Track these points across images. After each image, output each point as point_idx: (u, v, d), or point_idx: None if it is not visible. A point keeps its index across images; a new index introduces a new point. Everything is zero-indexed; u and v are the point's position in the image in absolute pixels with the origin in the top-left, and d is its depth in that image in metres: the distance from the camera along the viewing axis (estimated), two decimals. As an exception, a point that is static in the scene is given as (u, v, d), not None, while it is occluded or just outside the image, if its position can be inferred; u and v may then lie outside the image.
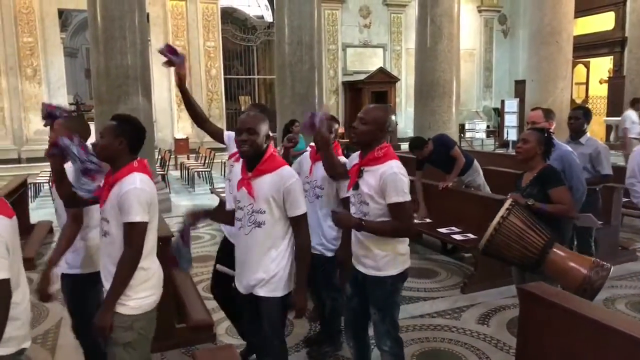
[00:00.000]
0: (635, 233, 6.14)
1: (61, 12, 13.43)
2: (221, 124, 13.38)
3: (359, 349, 2.78)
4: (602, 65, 16.10)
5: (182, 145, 13.59)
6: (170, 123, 14.27)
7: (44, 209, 7.67)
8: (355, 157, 2.62)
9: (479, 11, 17.87)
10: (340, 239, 3.02)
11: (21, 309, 1.88)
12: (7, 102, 12.58)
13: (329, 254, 3.13)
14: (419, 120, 9.05)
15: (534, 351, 2.45)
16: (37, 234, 5.87)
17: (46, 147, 2.29)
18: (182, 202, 8.73)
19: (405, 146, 13.33)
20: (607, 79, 15.78)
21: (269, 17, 16.55)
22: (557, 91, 9.00)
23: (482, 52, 18.17)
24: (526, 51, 10.52)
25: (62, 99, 13.32)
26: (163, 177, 9.07)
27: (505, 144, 15.07)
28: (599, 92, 16.28)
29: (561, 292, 2.50)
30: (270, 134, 2.35)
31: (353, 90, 16.00)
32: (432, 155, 5.34)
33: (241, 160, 2.41)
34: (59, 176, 2.33)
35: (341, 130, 5.60)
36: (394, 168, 2.40)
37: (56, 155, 2.23)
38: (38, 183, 8.92)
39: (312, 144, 3.24)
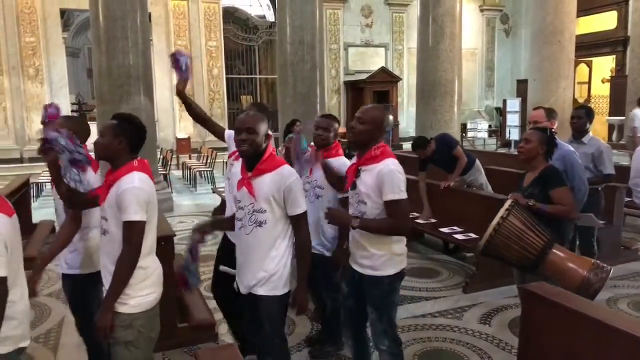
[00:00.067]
0: (637, 233, 6.12)
1: (63, 12, 13.43)
2: (223, 123, 13.38)
3: (358, 348, 2.78)
4: (604, 65, 16.07)
5: (184, 145, 13.60)
6: (172, 123, 14.28)
7: (46, 209, 7.67)
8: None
9: (481, 10, 17.84)
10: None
11: (18, 308, 1.88)
12: (10, 102, 12.61)
13: (329, 254, 3.14)
14: (420, 119, 9.04)
15: (535, 351, 2.44)
16: (39, 234, 5.87)
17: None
18: (184, 202, 8.75)
19: (407, 146, 13.37)
20: (609, 78, 15.75)
21: (270, 17, 16.55)
22: (560, 90, 8.98)
23: (484, 51, 18.14)
24: (528, 50, 10.50)
25: (64, 99, 13.34)
26: (165, 176, 9.08)
27: (507, 144, 15.05)
28: (601, 91, 16.25)
29: (563, 291, 2.50)
30: (270, 133, 2.35)
31: (355, 89, 15.99)
32: (435, 155, 5.33)
33: (241, 159, 2.42)
34: (55, 175, 2.34)
35: (342, 130, 5.60)
36: (391, 166, 2.40)
37: (47, 150, 2.24)
38: (40, 183, 8.94)
39: (312, 144, 3.25)
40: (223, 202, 4.62)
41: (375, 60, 16.40)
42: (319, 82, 7.99)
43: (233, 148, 2.80)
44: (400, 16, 16.74)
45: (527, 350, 2.51)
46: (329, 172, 2.94)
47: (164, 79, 13.42)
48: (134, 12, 6.99)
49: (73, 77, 15.93)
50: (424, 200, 5.46)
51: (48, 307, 4.21)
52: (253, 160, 2.30)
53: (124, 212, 2.11)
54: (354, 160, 2.59)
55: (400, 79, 16.36)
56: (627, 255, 5.19)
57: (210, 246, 5.89)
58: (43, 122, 2.69)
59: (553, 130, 3.42)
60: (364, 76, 15.70)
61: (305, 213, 2.34)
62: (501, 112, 16.83)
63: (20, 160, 12.37)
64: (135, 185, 2.14)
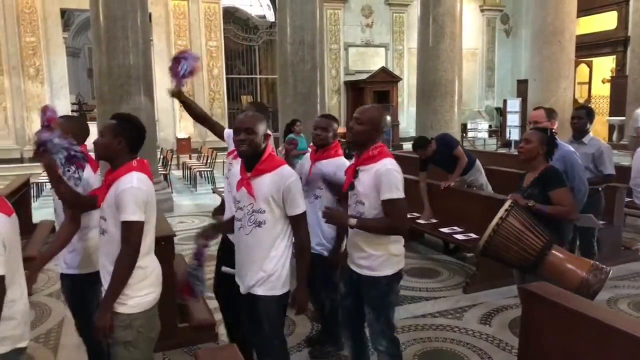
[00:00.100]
0: (638, 233, 6.12)
1: (64, 12, 13.45)
2: (223, 123, 13.34)
3: (356, 349, 2.78)
4: (604, 65, 16.07)
5: (184, 145, 13.61)
6: (172, 122, 14.29)
7: (47, 209, 7.67)
8: None
9: (481, 10, 17.84)
10: None
11: (17, 308, 1.87)
12: (10, 102, 12.61)
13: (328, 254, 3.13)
14: (421, 119, 9.04)
15: (536, 351, 2.44)
16: (39, 234, 5.87)
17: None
18: (184, 202, 8.75)
19: (407, 146, 13.38)
20: (609, 78, 15.75)
21: (271, 17, 16.55)
22: (560, 91, 8.98)
23: (485, 51, 18.15)
24: (528, 50, 10.50)
25: (65, 99, 13.36)
26: (165, 176, 9.09)
27: (507, 144, 15.05)
28: (601, 91, 16.25)
29: (563, 291, 2.49)
30: (269, 133, 2.35)
31: (355, 89, 16.00)
32: (435, 155, 5.33)
33: (240, 159, 2.42)
34: (53, 178, 2.34)
35: (342, 130, 5.60)
36: (388, 165, 2.41)
37: (42, 153, 2.24)
38: (40, 183, 8.94)
39: (312, 144, 3.25)
40: (223, 202, 4.62)
41: (375, 60, 16.41)
42: (319, 82, 8.00)
43: (232, 147, 2.80)
44: (401, 16, 16.75)
45: (528, 350, 2.50)
46: (329, 185, 2.92)
47: (164, 79, 13.35)
48: (135, 12, 6.99)
49: (73, 77, 15.95)
50: (425, 201, 5.45)
51: (48, 307, 4.21)
52: (252, 160, 2.29)
53: (122, 212, 2.11)
54: (354, 160, 2.59)
55: (401, 79, 16.37)
56: (627, 256, 5.18)
57: (211, 246, 5.91)
58: (43, 126, 2.70)
59: (553, 130, 3.42)
60: (364, 76, 15.71)
61: (304, 213, 2.34)
62: (501, 112, 16.83)
63: (21, 160, 12.38)
64: (133, 186, 2.14)
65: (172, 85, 2.98)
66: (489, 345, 3.49)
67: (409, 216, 5.41)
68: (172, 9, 14.00)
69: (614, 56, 15.52)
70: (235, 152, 2.64)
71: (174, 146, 13.58)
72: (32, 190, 7.89)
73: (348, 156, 3.30)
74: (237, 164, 2.53)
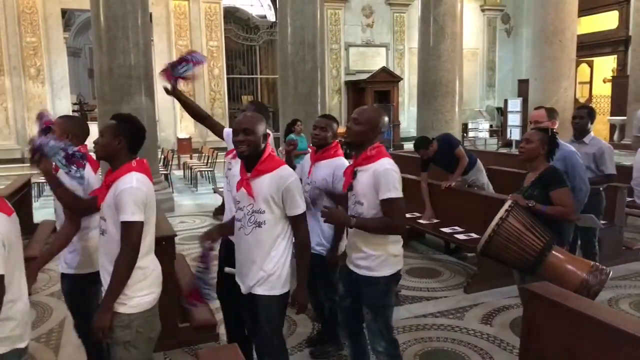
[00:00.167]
0: (639, 233, 6.12)
1: (64, 12, 13.47)
2: (224, 123, 13.31)
3: (355, 348, 2.79)
4: (605, 65, 16.06)
5: (184, 145, 13.61)
6: (173, 122, 14.29)
7: (48, 209, 7.68)
8: None
9: (482, 10, 17.83)
10: None
11: (17, 308, 1.87)
12: (11, 102, 12.62)
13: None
14: (422, 119, 9.04)
15: (537, 351, 2.44)
16: (40, 234, 5.87)
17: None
18: (185, 202, 8.75)
19: (408, 146, 13.37)
20: (610, 78, 15.74)
21: (271, 17, 16.56)
22: (561, 90, 8.98)
23: (485, 51, 18.14)
24: (529, 50, 10.50)
25: (66, 99, 13.37)
26: (166, 176, 9.10)
27: (508, 144, 15.04)
28: (602, 91, 16.24)
29: (564, 291, 2.49)
30: (269, 132, 2.35)
31: (356, 89, 15.99)
32: (436, 155, 5.32)
33: (239, 159, 2.41)
34: (52, 183, 2.34)
35: (342, 130, 5.60)
36: (386, 165, 2.41)
37: (39, 159, 2.25)
38: (41, 183, 8.94)
39: (312, 144, 3.24)
40: (224, 202, 4.61)
41: (376, 60, 16.40)
42: (320, 82, 7.99)
43: (232, 146, 2.80)
44: (401, 16, 16.74)
45: (529, 350, 2.50)
46: (331, 196, 2.91)
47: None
48: (135, 12, 6.99)
49: (74, 77, 15.97)
50: (426, 201, 5.45)
51: (49, 307, 4.21)
52: (252, 161, 2.29)
53: (122, 212, 2.11)
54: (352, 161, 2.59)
55: (401, 79, 16.36)
56: (628, 256, 5.18)
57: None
58: (40, 131, 2.71)
59: (554, 130, 3.41)
60: (365, 76, 15.71)
61: (304, 213, 2.34)
62: (502, 112, 16.82)
63: (22, 160, 12.37)
64: (133, 186, 2.14)
65: (167, 84, 2.98)
66: (490, 345, 3.49)
67: (410, 216, 5.44)
68: (172, 9, 14.00)
69: (615, 56, 15.51)
70: (234, 152, 2.64)
71: (174, 146, 13.59)
72: (33, 191, 7.90)
73: (348, 156, 3.30)
74: (236, 164, 2.53)
